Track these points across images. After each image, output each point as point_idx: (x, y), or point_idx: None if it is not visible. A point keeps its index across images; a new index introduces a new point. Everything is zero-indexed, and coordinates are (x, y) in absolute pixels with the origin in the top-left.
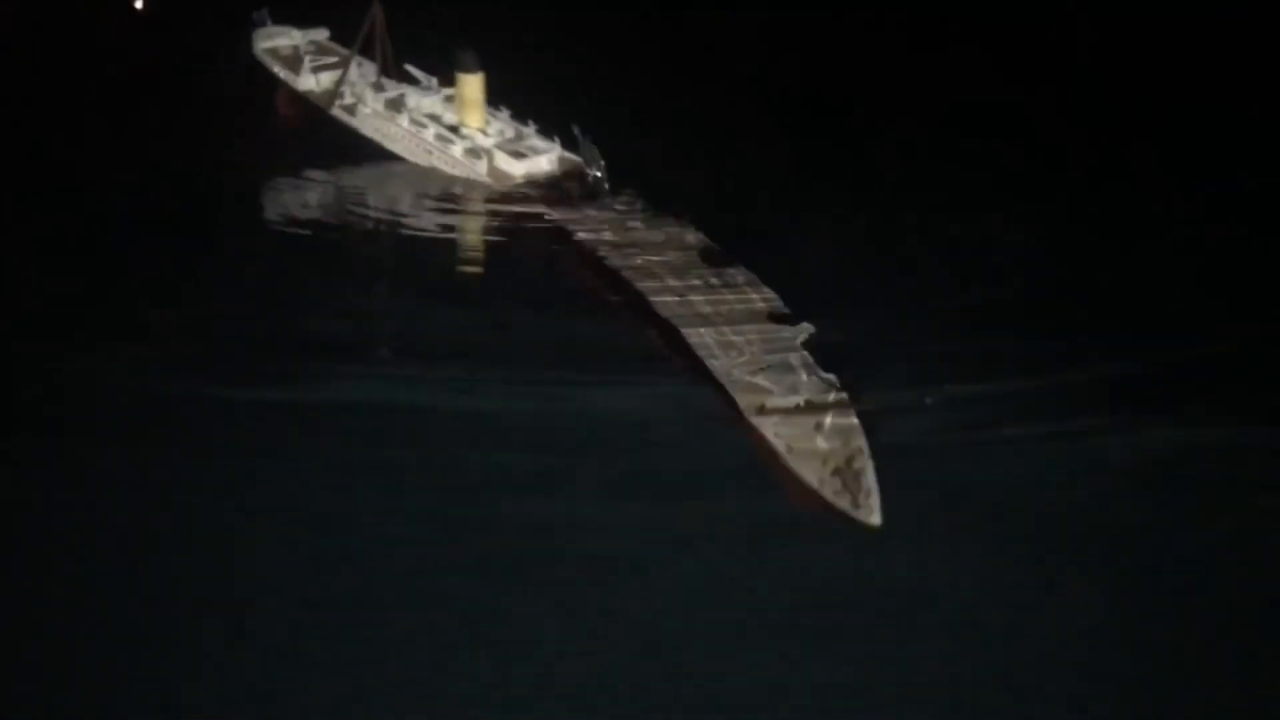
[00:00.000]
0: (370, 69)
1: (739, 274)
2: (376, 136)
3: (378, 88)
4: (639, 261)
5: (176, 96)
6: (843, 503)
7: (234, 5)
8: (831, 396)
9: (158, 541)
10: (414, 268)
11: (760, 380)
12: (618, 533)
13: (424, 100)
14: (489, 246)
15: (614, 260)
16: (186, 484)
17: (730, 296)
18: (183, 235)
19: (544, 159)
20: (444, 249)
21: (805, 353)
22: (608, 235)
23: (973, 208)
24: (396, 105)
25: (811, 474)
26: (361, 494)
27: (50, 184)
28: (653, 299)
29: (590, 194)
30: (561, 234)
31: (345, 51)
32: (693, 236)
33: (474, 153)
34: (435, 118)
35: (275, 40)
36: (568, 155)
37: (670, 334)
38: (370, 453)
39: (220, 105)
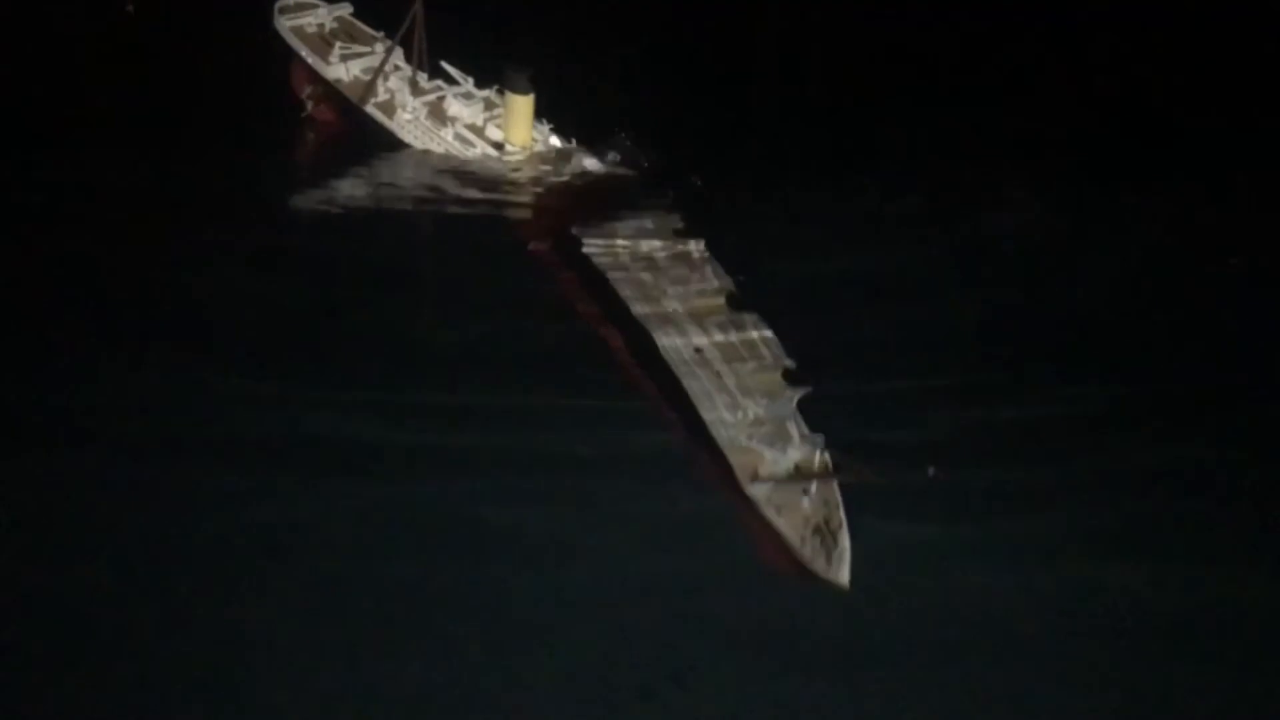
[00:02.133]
0: (399, 59)
1: (748, 319)
2: (415, 143)
3: (415, 87)
4: (651, 295)
5: (183, 97)
6: (817, 564)
7: (225, 4)
8: (818, 462)
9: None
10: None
11: (756, 444)
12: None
13: (465, 109)
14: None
15: (626, 293)
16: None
17: (739, 345)
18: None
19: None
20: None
21: (798, 414)
22: (626, 262)
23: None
24: (439, 115)
25: (794, 534)
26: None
27: (53, 192)
28: (661, 343)
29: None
30: (580, 259)
31: (370, 33)
32: (713, 271)
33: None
34: (478, 130)
35: (299, 18)
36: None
37: (673, 385)
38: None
39: (235, 102)
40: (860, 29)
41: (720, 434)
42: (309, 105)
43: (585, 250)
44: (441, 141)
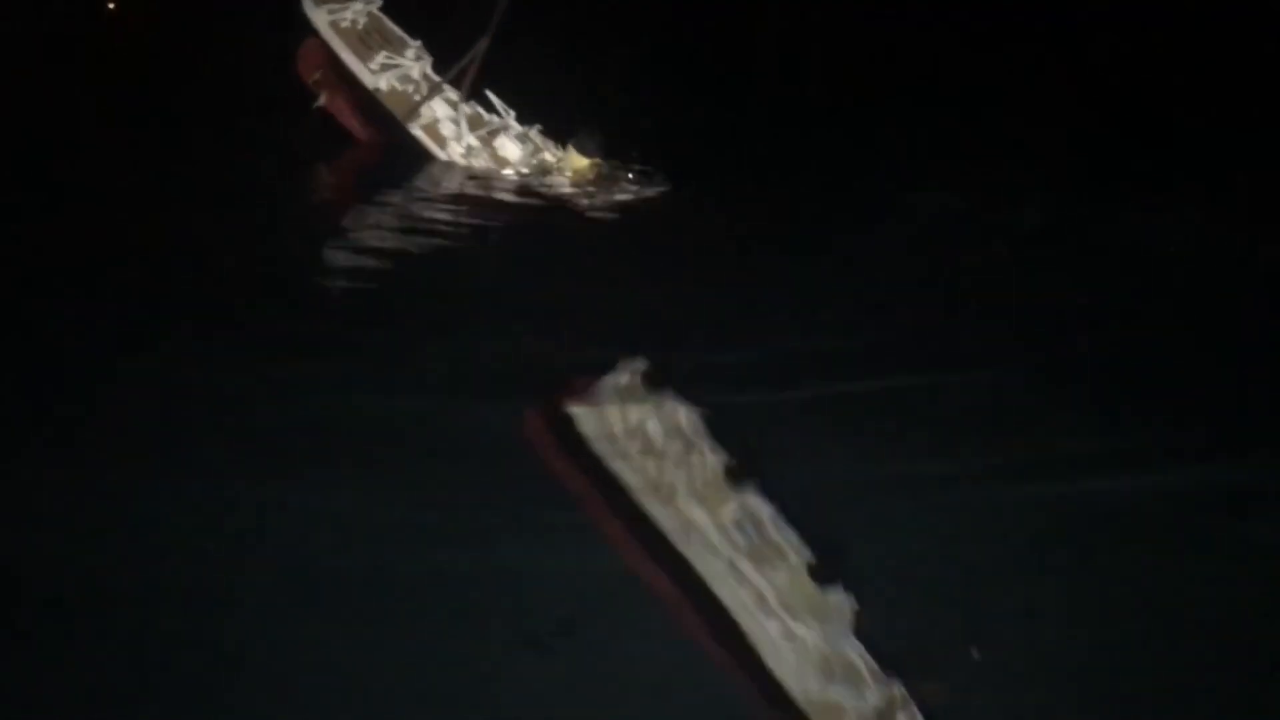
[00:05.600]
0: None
1: (758, 502)
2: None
3: (463, 114)
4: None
5: (187, 98)
6: None
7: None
8: (898, 693)
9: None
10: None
11: (831, 691)
12: None
13: (517, 150)
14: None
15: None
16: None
17: (759, 540)
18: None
19: None
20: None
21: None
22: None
23: None
24: (493, 153)
25: None
26: None
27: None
28: (702, 570)
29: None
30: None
31: (400, 35)
32: (708, 447)
33: None
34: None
35: (336, 11)
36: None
37: (721, 620)
38: None
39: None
40: (860, 29)
41: (793, 684)
42: (321, 97)
43: (582, 431)
44: (499, 180)
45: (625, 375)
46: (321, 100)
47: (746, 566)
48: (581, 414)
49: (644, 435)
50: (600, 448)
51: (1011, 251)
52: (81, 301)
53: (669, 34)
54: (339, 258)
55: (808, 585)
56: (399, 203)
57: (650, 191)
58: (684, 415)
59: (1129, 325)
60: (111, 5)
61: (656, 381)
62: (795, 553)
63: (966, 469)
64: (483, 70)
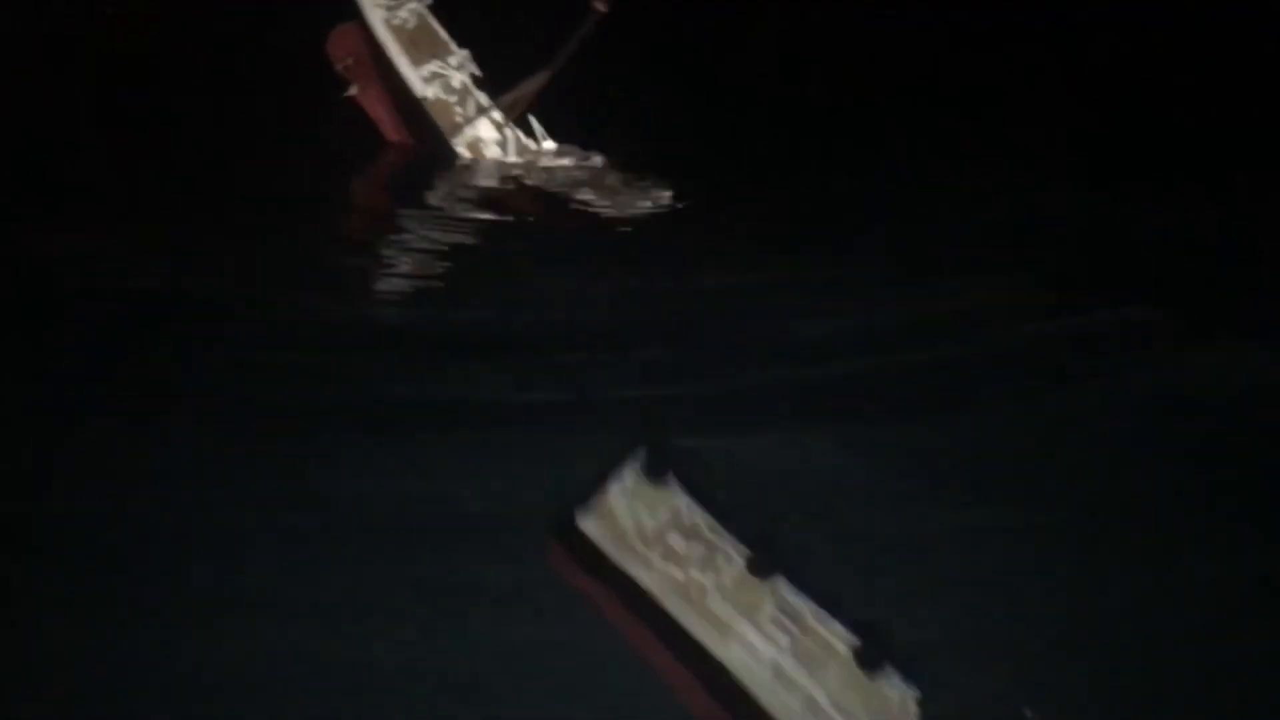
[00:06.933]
0: (483, 95)
1: (794, 594)
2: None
3: (510, 139)
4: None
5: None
6: None
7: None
8: None
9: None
10: None
11: None
12: None
13: (552, 170)
14: None
15: (689, 624)
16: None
17: (809, 644)
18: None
19: None
20: None
21: None
22: (643, 553)
23: None
24: (535, 175)
25: None
26: None
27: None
28: (745, 679)
29: None
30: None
31: (444, 39)
32: (731, 545)
33: None
34: None
35: (392, 5)
36: None
37: None
38: None
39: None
40: (860, 29)
41: None
42: (352, 87)
43: (600, 547)
44: None
45: (631, 471)
46: (352, 91)
47: (792, 666)
48: (596, 531)
49: (663, 542)
50: (622, 561)
51: (1017, 253)
52: (81, 303)
53: (669, 34)
54: (346, 266)
55: (861, 679)
56: (418, 213)
57: (675, 202)
58: (700, 514)
59: (1140, 333)
60: (109, 9)
61: (660, 465)
62: (843, 643)
63: (1004, 520)
64: (536, 100)
